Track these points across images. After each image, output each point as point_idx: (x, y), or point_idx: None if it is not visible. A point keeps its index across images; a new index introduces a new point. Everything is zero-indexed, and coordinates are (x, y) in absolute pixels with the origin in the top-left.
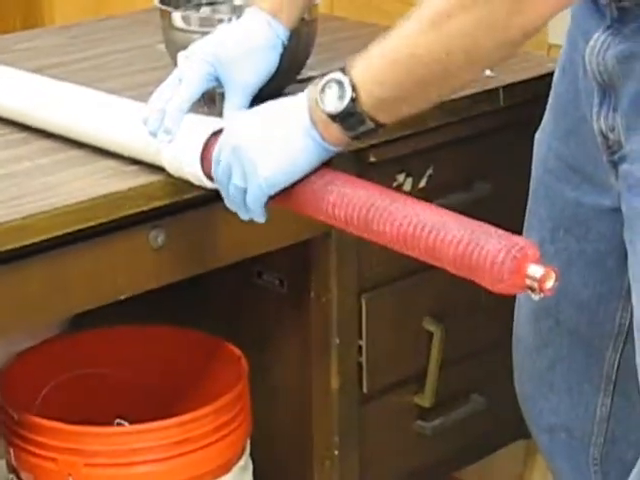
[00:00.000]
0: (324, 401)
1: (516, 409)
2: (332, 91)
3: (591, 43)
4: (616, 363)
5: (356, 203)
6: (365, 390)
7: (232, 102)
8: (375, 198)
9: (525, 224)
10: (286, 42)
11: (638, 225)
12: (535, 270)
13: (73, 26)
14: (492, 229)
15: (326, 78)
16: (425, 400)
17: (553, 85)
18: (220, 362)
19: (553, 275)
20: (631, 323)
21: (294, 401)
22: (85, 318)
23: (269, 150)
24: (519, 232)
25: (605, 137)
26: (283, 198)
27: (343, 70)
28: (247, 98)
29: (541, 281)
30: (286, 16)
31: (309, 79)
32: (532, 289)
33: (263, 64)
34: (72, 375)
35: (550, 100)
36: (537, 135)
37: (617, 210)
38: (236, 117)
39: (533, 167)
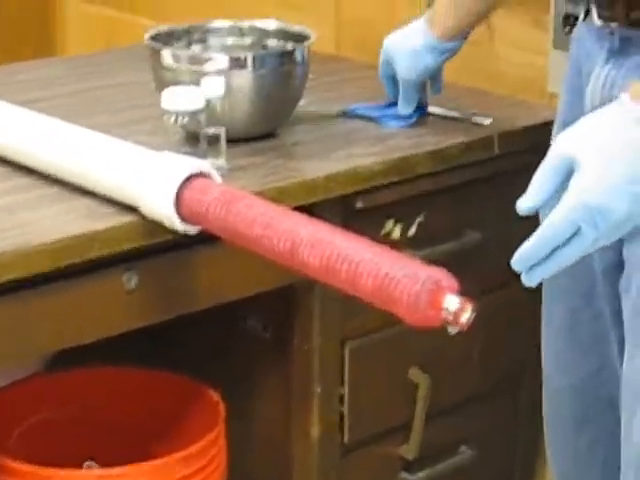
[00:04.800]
0: (304, 451)
1: (506, 462)
2: None
3: (592, 80)
4: None
5: (281, 235)
6: (347, 440)
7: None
8: (299, 229)
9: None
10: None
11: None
12: (450, 302)
13: (75, 58)
14: (408, 260)
15: None
16: (410, 452)
17: (562, 110)
18: (197, 406)
19: (469, 307)
20: None
21: (274, 450)
22: (61, 357)
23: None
24: (509, 281)
25: None
26: (209, 225)
27: None
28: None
29: (456, 314)
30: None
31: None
32: (448, 322)
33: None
34: (45, 416)
35: (559, 122)
36: None
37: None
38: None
39: None
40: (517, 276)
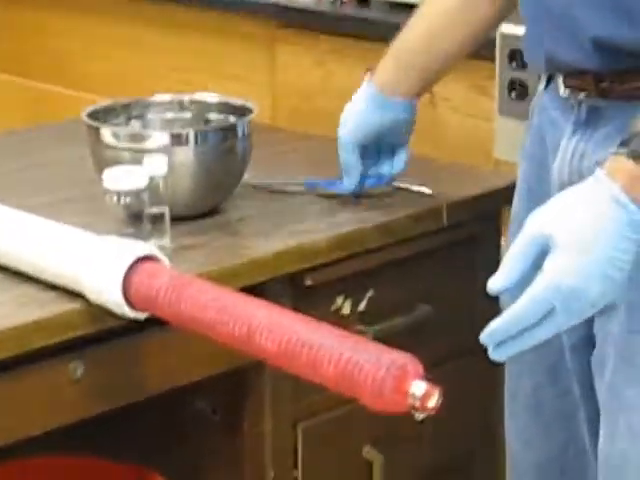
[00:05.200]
0: None
1: None
2: None
3: (560, 153)
4: None
5: (237, 319)
6: None
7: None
8: (256, 313)
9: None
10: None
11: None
12: (417, 388)
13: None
14: (372, 345)
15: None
16: None
17: (523, 180)
18: None
19: (436, 393)
20: None
21: None
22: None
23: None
24: (459, 354)
25: None
26: (159, 311)
27: None
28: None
29: (423, 399)
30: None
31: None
32: (415, 408)
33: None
34: None
35: (521, 193)
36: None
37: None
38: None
39: None
40: (471, 348)
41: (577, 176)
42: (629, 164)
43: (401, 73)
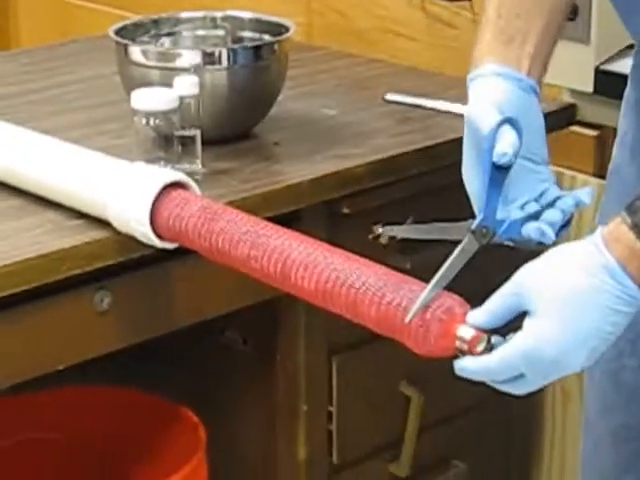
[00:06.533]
0: (291, 473)
1: (500, 476)
2: None
3: None
4: None
5: (271, 255)
6: (335, 460)
7: None
8: (291, 249)
9: None
10: None
11: None
12: (465, 332)
13: (28, 51)
14: (416, 285)
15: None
16: (401, 469)
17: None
18: (176, 430)
19: (485, 338)
20: None
21: (258, 473)
22: None
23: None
24: None
25: None
26: (189, 243)
27: None
28: None
29: (471, 344)
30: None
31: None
32: (462, 351)
33: None
34: (14, 441)
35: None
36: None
37: None
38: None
39: None
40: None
41: None
42: (630, 236)
43: None
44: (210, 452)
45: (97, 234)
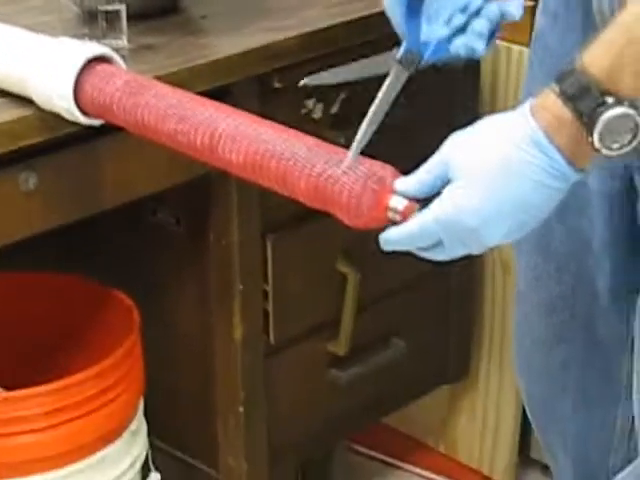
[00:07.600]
0: (227, 353)
1: (439, 354)
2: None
3: None
4: (633, 371)
5: (197, 128)
6: (272, 340)
7: None
8: (219, 122)
9: None
10: None
11: None
12: (397, 202)
13: None
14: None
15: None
16: (340, 347)
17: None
18: (109, 313)
19: (418, 208)
20: None
21: (194, 354)
22: None
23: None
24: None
25: None
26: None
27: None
28: None
29: (404, 215)
30: None
31: None
32: (395, 223)
33: None
34: None
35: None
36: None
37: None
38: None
39: None
40: None
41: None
42: (558, 104)
43: None
44: (147, 334)
45: (20, 112)
